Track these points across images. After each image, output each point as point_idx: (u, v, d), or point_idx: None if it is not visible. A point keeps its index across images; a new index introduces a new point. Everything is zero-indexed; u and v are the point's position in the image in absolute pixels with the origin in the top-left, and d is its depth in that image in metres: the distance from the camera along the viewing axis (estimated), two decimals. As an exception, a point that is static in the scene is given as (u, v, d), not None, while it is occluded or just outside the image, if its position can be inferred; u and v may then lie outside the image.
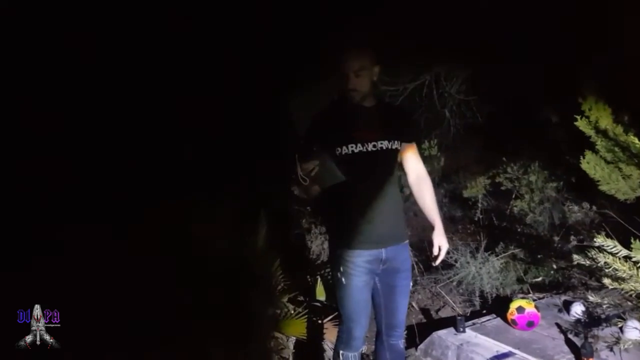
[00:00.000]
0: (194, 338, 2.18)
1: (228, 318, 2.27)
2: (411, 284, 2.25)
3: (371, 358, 2.78)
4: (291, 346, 2.62)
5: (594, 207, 3.37)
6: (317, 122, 2.09)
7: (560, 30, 3.10)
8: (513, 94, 4.54)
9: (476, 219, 4.12)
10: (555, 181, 3.64)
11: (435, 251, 2.14)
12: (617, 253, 2.03)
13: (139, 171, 2.77)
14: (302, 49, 3.36)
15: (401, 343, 2.27)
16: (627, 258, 2.03)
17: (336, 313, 2.65)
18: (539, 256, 3.55)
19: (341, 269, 2.05)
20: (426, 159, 5.16)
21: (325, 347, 2.74)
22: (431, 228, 2.13)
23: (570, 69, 2.90)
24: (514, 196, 4.00)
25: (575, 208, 3.41)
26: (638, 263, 1.99)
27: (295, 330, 2.56)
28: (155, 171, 2.83)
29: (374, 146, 2.01)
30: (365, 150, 2.00)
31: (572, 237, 3.39)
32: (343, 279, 2.05)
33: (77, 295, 2.06)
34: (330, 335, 2.73)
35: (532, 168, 3.76)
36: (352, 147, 1.98)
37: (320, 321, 2.75)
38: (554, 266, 3.44)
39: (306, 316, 2.60)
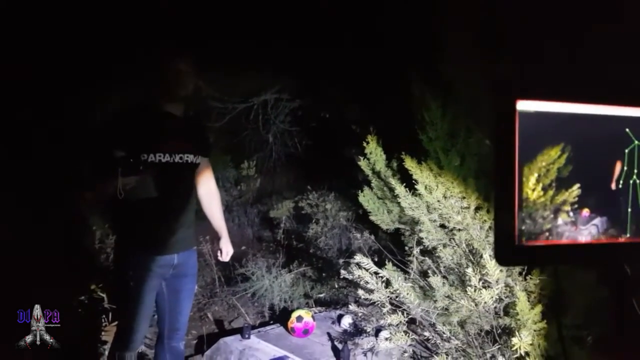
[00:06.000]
0: None
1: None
2: (195, 287, 2.43)
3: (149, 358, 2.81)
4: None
5: (372, 236, 3.99)
6: (122, 126, 2.04)
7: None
8: (331, 132, 5.15)
9: (279, 238, 4.47)
10: (346, 211, 4.20)
11: (224, 257, 2.43)
12: (369, 269, 2.50)
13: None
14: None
15: (181, 345, 2.36)
16: (376, 274, 2.52)
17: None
18: (324, 275, 4.02)
19: (131, 272, 2.08)
20: (243, 179, 5.45)
21: (102, 349, 2.68)
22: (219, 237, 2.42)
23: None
24: (314, 220, 4.48)
25: (358, 235, 3.98)
26: (383, 278, 2.49)
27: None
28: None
29: (181, 158, 2.08)
30: (172, 161, 2.05)
31: (352, 260, 3.95)
32: (132, 283, 2.08)
33: None
34: (108, 337, 2.68)
35: (328, 197, 4.27)
36: (159, 156, 2.00)
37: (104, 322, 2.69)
38: (336, 285, 3.94)
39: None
